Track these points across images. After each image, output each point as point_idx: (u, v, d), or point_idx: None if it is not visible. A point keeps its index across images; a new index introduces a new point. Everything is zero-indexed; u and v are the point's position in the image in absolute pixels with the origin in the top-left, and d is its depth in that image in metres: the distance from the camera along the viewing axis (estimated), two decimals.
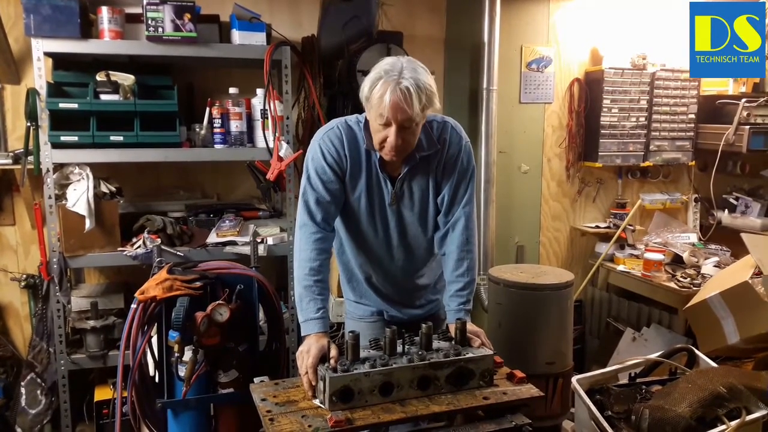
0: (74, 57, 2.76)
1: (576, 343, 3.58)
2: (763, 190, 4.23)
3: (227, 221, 3.00)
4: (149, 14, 2.62)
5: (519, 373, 1.75)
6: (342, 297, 2.27)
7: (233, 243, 2.86)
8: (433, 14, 3.64)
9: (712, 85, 4.15)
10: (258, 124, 2.93)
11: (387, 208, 1.96)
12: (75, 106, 2.65)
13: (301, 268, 1.85)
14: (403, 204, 1.96)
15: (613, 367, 2.43)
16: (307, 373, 1.66)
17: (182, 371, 1.95)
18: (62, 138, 2.63)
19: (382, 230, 2.00)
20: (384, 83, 1.70)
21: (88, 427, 2.99)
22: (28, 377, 2.93)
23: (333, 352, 1.66)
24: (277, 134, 2.85)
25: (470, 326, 1.85)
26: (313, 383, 1.65)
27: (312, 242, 1.86)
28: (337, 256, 2.14)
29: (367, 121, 1.88)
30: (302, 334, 1.78)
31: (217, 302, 1.96)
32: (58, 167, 2.71)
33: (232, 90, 2.94)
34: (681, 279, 3.51)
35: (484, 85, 3.64)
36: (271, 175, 2.82)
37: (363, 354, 1.67)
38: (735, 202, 4.19)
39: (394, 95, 1.68)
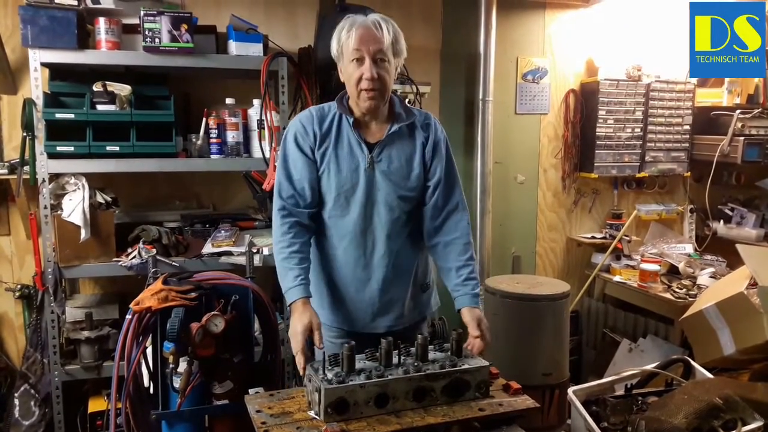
0: (71, 67, 2.77)
1: (572, 354, 3.57)
2: (758, 201, 4.25)
3: (223, 231, 3.00)
4: (146, 25, 2.63)
5: (515, 385, 1.75)
6: None
7: (229, 253, 2.85)
8: (429, 25, 3.66)
9: (707, 97, 4.18)
10: (254, 135, 2.93)
11: (361, 175, 1.89)
12: (71, 116, 2.65)
13: (276, 250, 1.91)
14: (380, 170, 1.90)
15: (610, 378, 2.42)
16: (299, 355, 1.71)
17: (177, 382, 1.94)
18: (58, 148, 2.63)
19: (355, 203, 1.91)
20: (350, 22, 1.82)
21: None
22: (22, 388, 2.91)
23: (316, 329, 1.74)
24: (273, 144, 2.85)
25: (478, 312, 1.90)
26: (303, 366, 1.68)
27: (282, 224, 1.91)
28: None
29: (342, 95, 1.94)
30: (287, 305, 1.85)
31: (212, 313, 1.96)
32: (54, 177, 2.71)
33: (229, 100, 2.95)
34: (677, 290, 3.52)
35: (480, 96, 3.66)
36: (267, 186, 2.83)
37: (358, 365, 1.66)
38: (730, 213, 4.21)
39: (364, 26, 1.80)
